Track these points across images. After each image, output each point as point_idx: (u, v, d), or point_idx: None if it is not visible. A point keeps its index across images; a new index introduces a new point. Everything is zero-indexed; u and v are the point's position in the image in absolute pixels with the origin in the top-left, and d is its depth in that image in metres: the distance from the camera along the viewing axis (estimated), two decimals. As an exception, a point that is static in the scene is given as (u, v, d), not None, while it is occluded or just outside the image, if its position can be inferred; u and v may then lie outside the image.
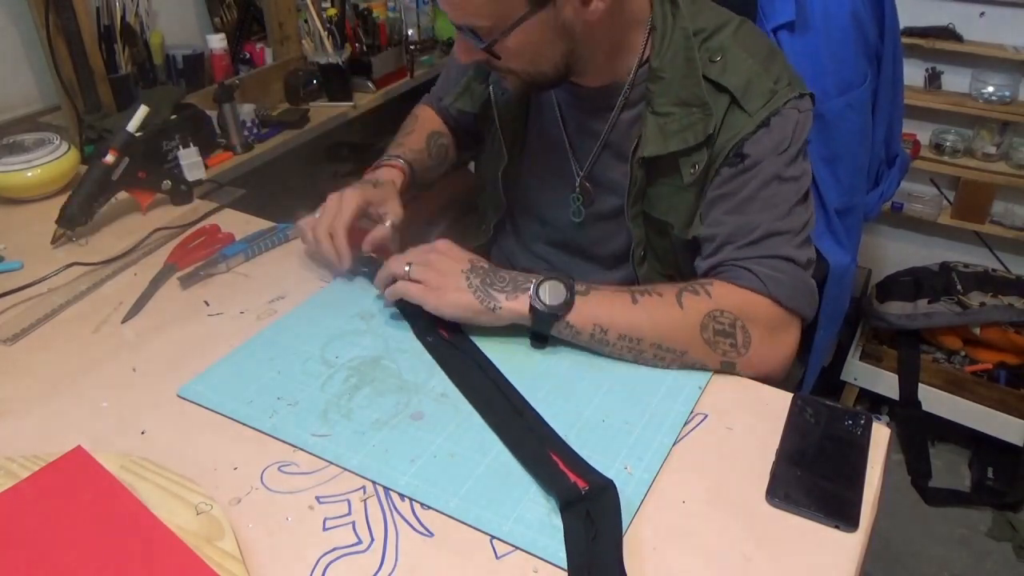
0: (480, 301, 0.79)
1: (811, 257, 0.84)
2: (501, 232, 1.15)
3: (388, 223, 0.95)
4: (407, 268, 0.82)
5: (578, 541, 0.60)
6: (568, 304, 0.78)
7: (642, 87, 0.89)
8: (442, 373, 0.79)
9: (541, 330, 0.80)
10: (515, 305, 0.79)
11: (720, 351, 0.78)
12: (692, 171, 0.87)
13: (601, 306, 0.79)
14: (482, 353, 0.81)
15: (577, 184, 0.99)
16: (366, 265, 0.94)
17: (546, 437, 0.70)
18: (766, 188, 0.83)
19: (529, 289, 0.79)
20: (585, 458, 0.68)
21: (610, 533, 0.60)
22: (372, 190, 0.96)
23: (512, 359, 0.81)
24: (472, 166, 1.25)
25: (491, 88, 1.01)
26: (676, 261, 0.96)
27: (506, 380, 0.77)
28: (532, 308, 0.78)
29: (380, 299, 0.90)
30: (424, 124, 1.14)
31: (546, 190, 1.04)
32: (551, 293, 0.78)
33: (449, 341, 0.83)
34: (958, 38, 1.86)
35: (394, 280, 0.84)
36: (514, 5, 0.76)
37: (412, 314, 0.86)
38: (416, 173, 1.06)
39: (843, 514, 0.63)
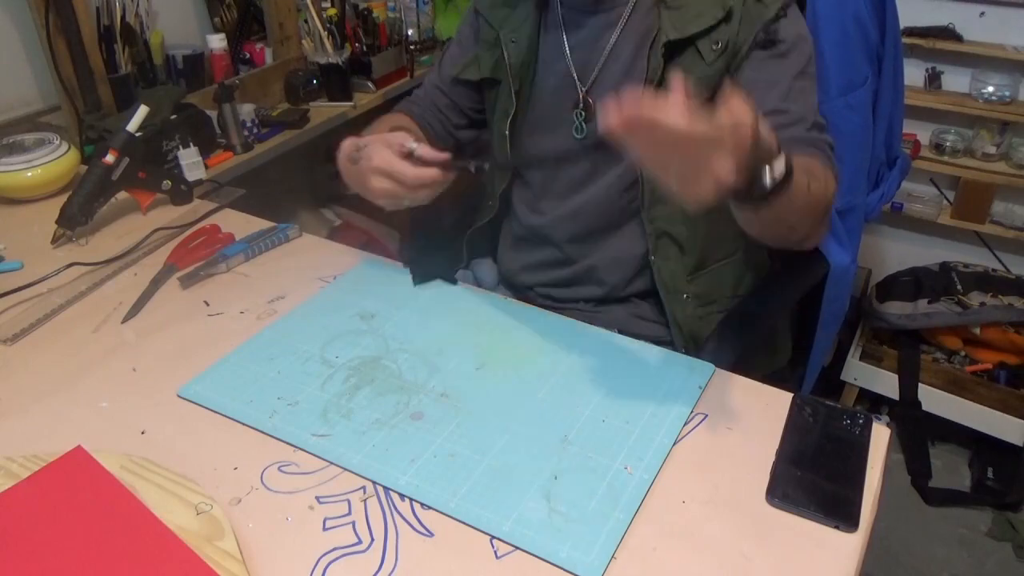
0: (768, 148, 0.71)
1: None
2: (506, 203, 1.14)
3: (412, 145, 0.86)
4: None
5: None
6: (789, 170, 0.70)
7: None
8: (443, 372, 0.79)
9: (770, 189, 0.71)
10: (780, 165, 0.71)
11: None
12: (715, 48, 0.90)
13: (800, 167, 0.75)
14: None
15: (580, 99, 1.00)
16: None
17: None
18: (799, 80, 0.91)
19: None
20: (585, 458, 0.68)
21: None
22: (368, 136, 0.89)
23: (512, 359, 0.81)
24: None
25: (503, 42, 1.03)
26: None
27: None
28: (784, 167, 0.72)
29: (380, 299, 0.90)
30: (391, 121, 1.07)
31: (550, 122, 1.05)
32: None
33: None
34: (958, 38, 1.86)
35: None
36: None
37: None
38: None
39: (843, 514, 0.63)
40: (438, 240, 1.26)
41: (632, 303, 1.05)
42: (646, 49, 0.94)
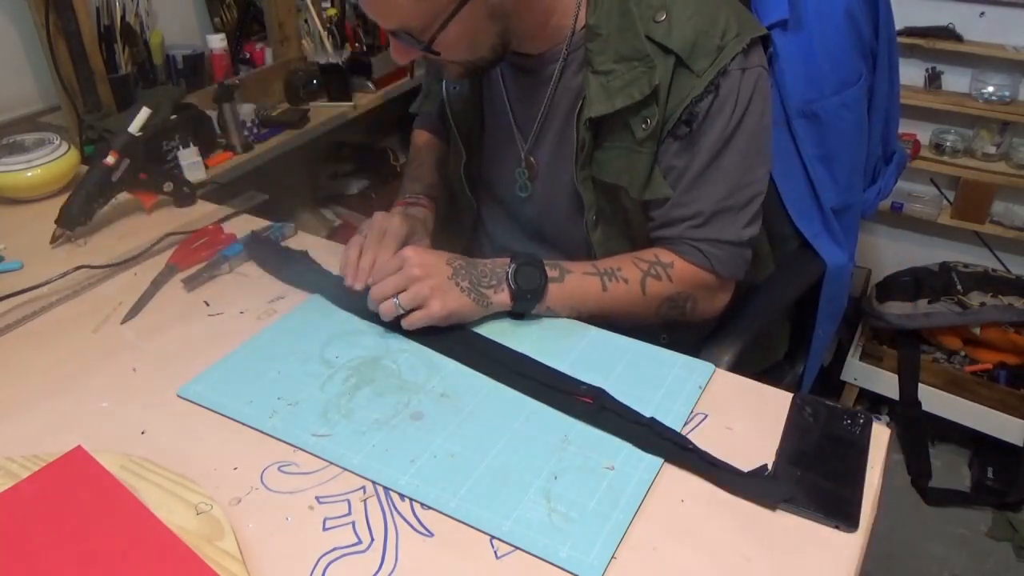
0: (475, 301, 0.84)
1: (753, 233, 0.94)
2: (476, 230, 1.16)
3: None
4: (395, 301, 0.82)
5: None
6: (541, 289, 0.86)
7: (582, 51, 0.89)
8: (443, 373, 0.79)
9: (523, 311, 0.87)
10: (502, 297, 0.85)
11: (668, 318, 0.94)
12: (644, 127, 0.87)
13: (575, 292, 0.88)
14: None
15: (522, 158, 1.00)
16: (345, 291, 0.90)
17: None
18: (712, 164, 0.88)
19: (507, 279, 0.85)
20: (585, 457, 0.68)
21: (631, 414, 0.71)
22: (416, 223, 0.98)
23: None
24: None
25: (444, 84, 1.01)
26: (629, 223, 0.96)
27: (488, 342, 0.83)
28: (513, 297, 0.85)
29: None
30: (429, 153, 1.16)
31: (496, 171, 1.05)
32: (527, 278, 0.85)
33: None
34: (958, 38, 1.86)
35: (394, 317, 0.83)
36: (443, 2, 0.77)
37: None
38: (439, 207, 1.08)
39: (843, 514, 0.63)
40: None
41: None
42: (574, 117, 0.91)
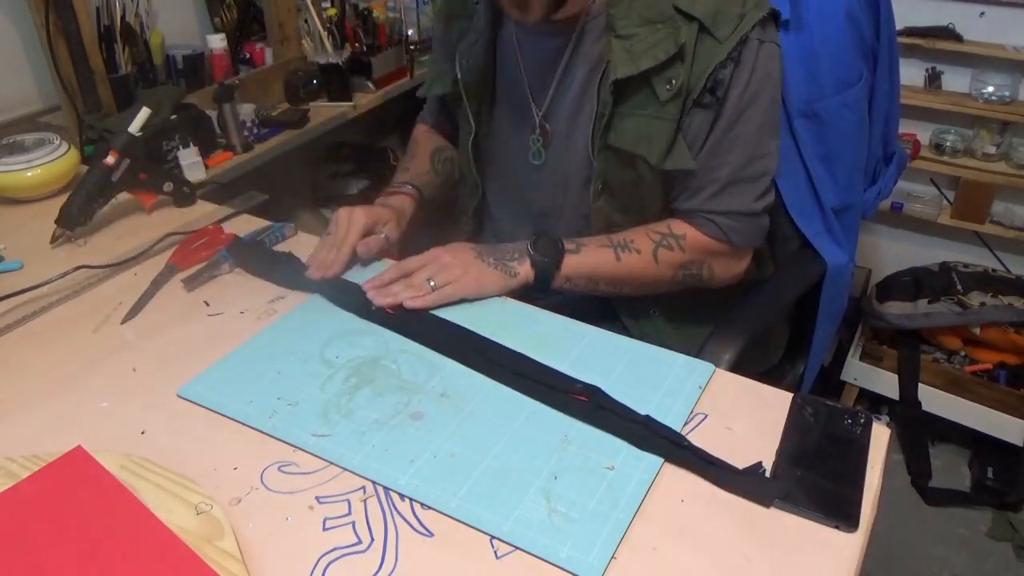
0: (504, 273, 0.91)
1: (767, 203, 0.96)
2: (480, 221, 1.16)
3: (383, 236, 0.99)
4: (431, 283, 0.88)
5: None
6: (559, 258, 0.92)
7: (602, 17, 0.90)
8: (443, 372, 0.79)
9: (543, 284, 0.93)
10: (525, 268, 0.92)
11: (687, 284, 0.98)
12: (669, 87, 0.87)
13: (590, 262, 0.94)
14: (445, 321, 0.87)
15: (537, 124, 1.00)
16: (342, 290, 0.92)
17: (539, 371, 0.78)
18: (730, 131, 0.90)
19: (527, 251, 0.92)
20: (584, 458, 0.68)
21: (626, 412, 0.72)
22: (380, 210, 1.02)
23: (512, 359, 0.81)
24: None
25: (457, 60, 1.02)
26: (640, 195, 0.97)
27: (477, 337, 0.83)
28: (533, 264, 0.92)
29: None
30: (425, 145, 1.18)
31: (509, 141, 1.05)
32: (545, 249, 0.93)
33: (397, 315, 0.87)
34: (958, 38, 1.86)
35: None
36: None
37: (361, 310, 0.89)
38: (425, 196, 1.11)
39: (843, 514, 0.63)
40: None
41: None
42: (596, 80, 0.91)
